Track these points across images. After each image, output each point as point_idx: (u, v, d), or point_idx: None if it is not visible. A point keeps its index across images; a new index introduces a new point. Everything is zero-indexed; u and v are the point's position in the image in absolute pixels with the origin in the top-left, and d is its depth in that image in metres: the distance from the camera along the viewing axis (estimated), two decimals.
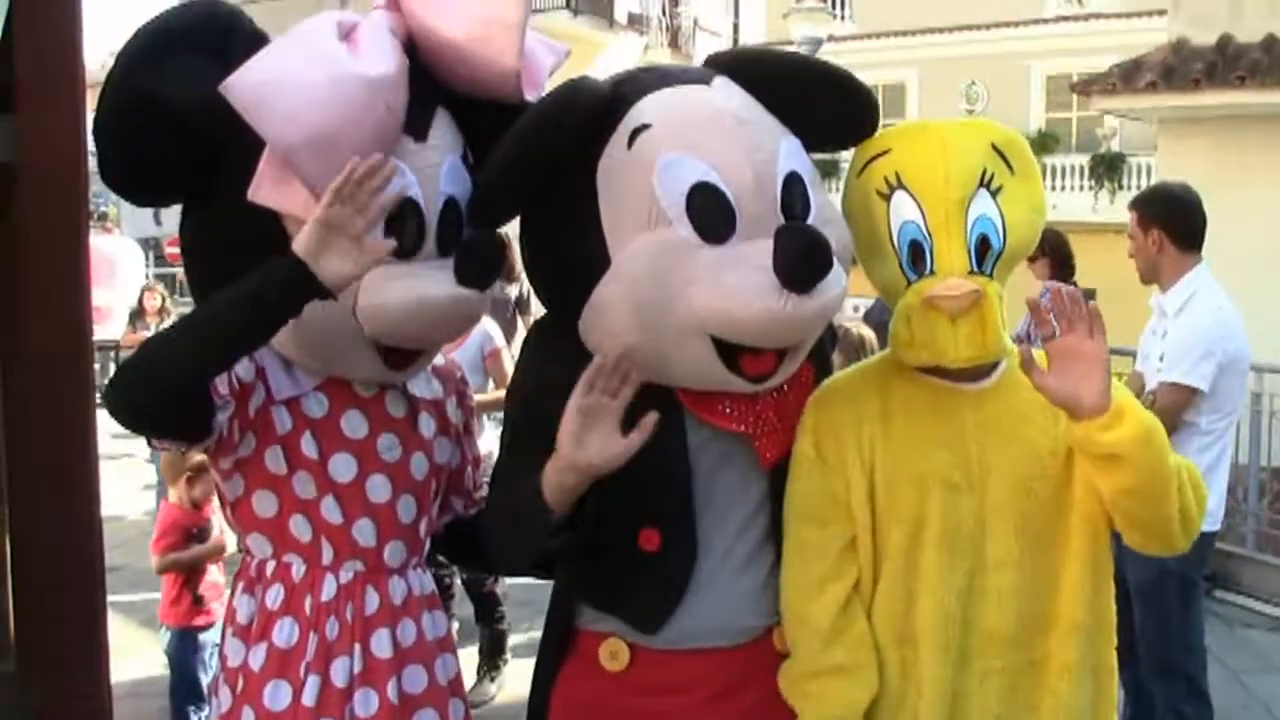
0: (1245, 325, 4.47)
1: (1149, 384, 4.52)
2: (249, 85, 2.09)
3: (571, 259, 2.27)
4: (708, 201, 2.18)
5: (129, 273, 11.66)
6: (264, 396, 2.31)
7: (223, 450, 2.31)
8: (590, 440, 2.09)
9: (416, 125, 2.28)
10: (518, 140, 2.19)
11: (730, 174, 2.20)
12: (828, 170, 28.75)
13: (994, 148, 2.32)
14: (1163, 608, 4.34)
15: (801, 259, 2.11)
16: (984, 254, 2.25)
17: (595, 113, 2.22)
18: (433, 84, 2.34)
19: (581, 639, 2.43)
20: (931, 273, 2.25)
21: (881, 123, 2.39)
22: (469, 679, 5.61)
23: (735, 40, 28.59)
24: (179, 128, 2.20)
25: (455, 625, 5.80)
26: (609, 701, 2.38)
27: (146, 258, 15.53)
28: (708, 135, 2.23)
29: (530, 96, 2.31)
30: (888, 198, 2.29)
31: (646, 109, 2.26)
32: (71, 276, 2.94)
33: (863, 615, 2.33)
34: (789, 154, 2.30)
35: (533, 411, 2.35)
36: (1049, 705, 2.34)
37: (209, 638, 4.96)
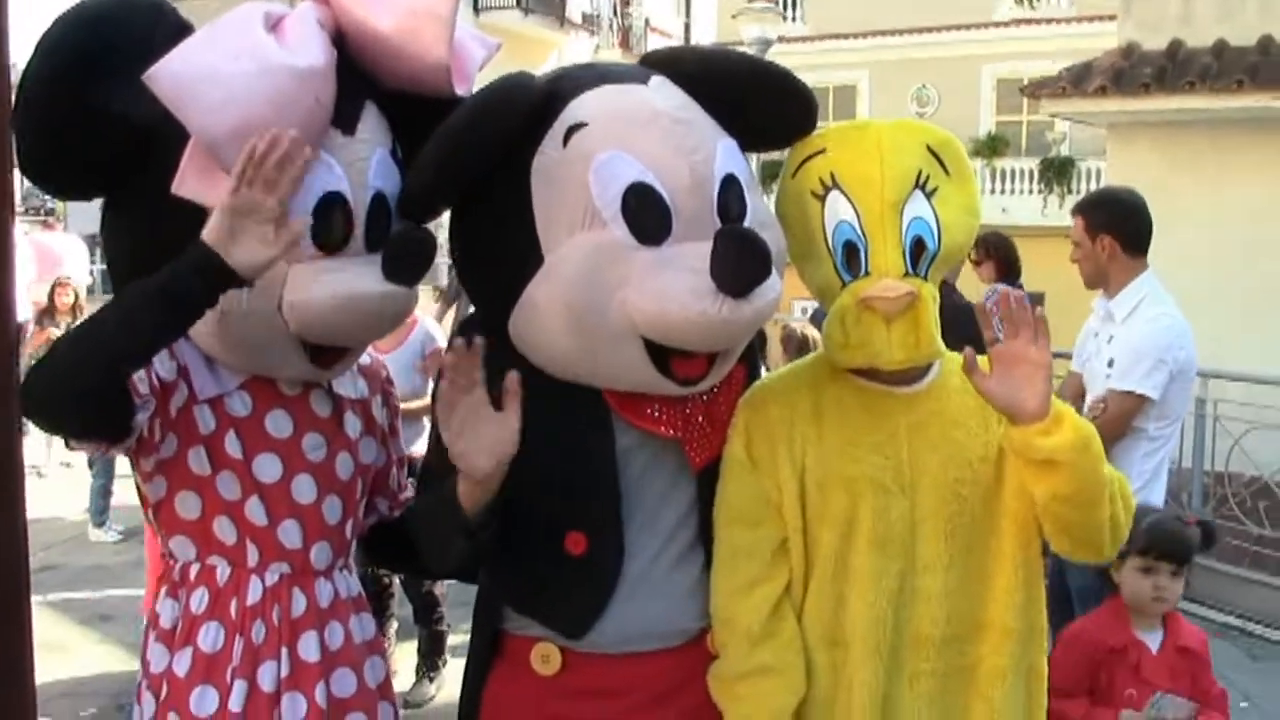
0: (1192, 330, 4.45)
1: (1091, 388, 4.50)
2: (173, 75, 2.05)
3: (503, 257, 2.24)
4: (644, 202, 2.16)
5: (73, 269, 11.57)
6: (186, 395, 2.26)
7: (144, 451, 2.27)
8: (476, 439, 2.06)
9: (345, 118, 2.24)
10: (452, 134, 2.15)
11: (667, 174, 2.17)
12: (776, 172, 28.73)
13: (929, 149, 2.31)
14: None
15: (741, 263, 2.09)
16: (919, 256, 2.24)
17: (531, 108, 2.19)
18: (362, 77, 2.31)
19: (510, 642, 2.40)
20: (866, 274, 2.23)
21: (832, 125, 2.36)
22: (408, 679, 5.57)
23: (687, 40, 28.59)
24: (101, 129, 2.16)
25: (394, 625, 5.78)
26: (540, 706, 2.35)
27: (92, 254, 15.42)
28: (645, 135, 2.20)
29: (460, 90, 2.28)
30: (822, 198, 2.28)
31: (583, 107, 2.22)
32: None
33: (792, 617, 2.31)
34: (726, 155, 2.27)
35: None
36: (980, 710, 2.33)
37: None
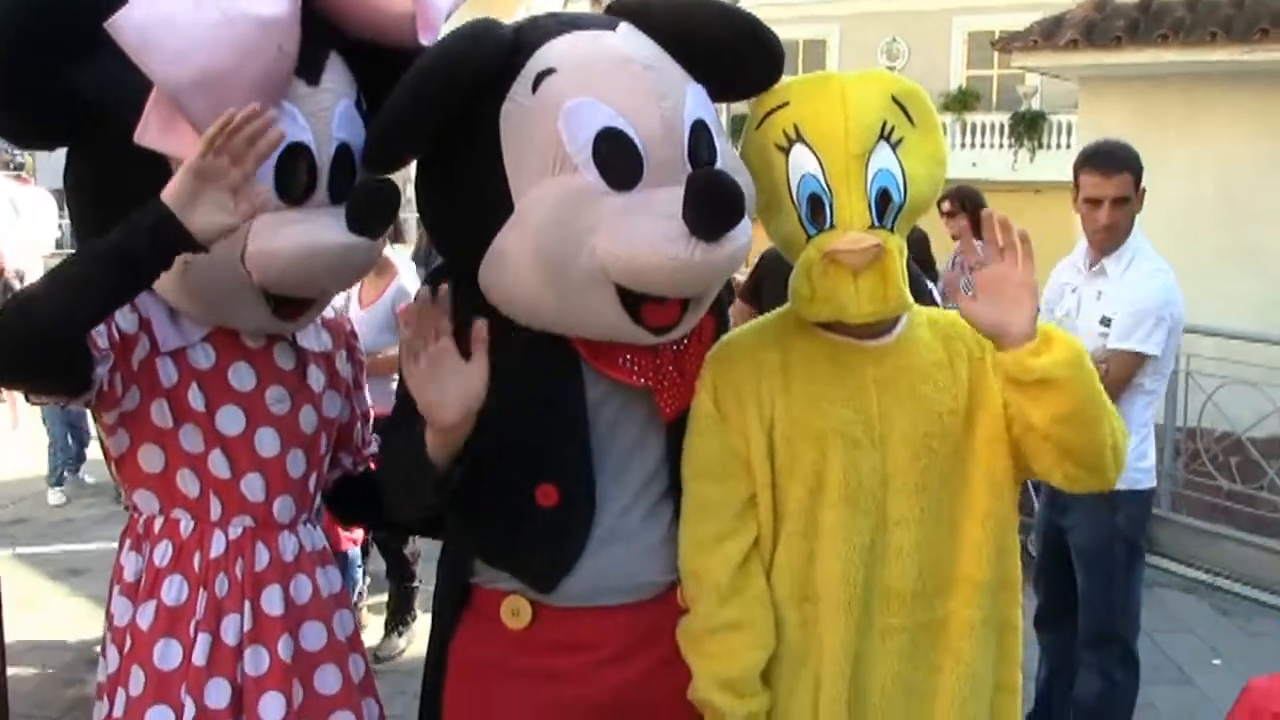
0: None
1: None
2: (135, 23, 2.02)
3: (472, 206, 2.22)
4: (615, 147, 2.14)
5: (41, 223, 11.46)
6: (148, 348, 2.26)
7: (105, 404, 2.25)
8: (442, 390, 2.05)
9: (309, 68, 2.23)
10: (417, 82, 2.13)
11: (638, 120, 2.16)
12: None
13: (894, 100, 2.29)
14: (1110, 571, 4.34)
15: (715, 206, 2.08)
16: (885, 207, 2.22)
17: (498, 53, 2.17)
18: (327, 27, 2.29)
19: (479, 595, 2.39)
20: (831, 227, 2.22)
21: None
22: (378, 634, 5.59)
23: None
24: (52, 94, 2.15)
25: (366, 580, 5.76)
26: (508, 660, 2.34)
27: (61, 209, 15.29)
28: (614, 81, 2.18)
29: (425, 40, 2.25)
30: (786, 151, 2.26)
31: (551, 53, 2.20)
32: None
33: (760, 573, 2.31)
34: (695, 101, 2.26)
35: None
36: (950, 664, 2.34)
37: (354, 553, 5.58)
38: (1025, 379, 2.13)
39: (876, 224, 2.20)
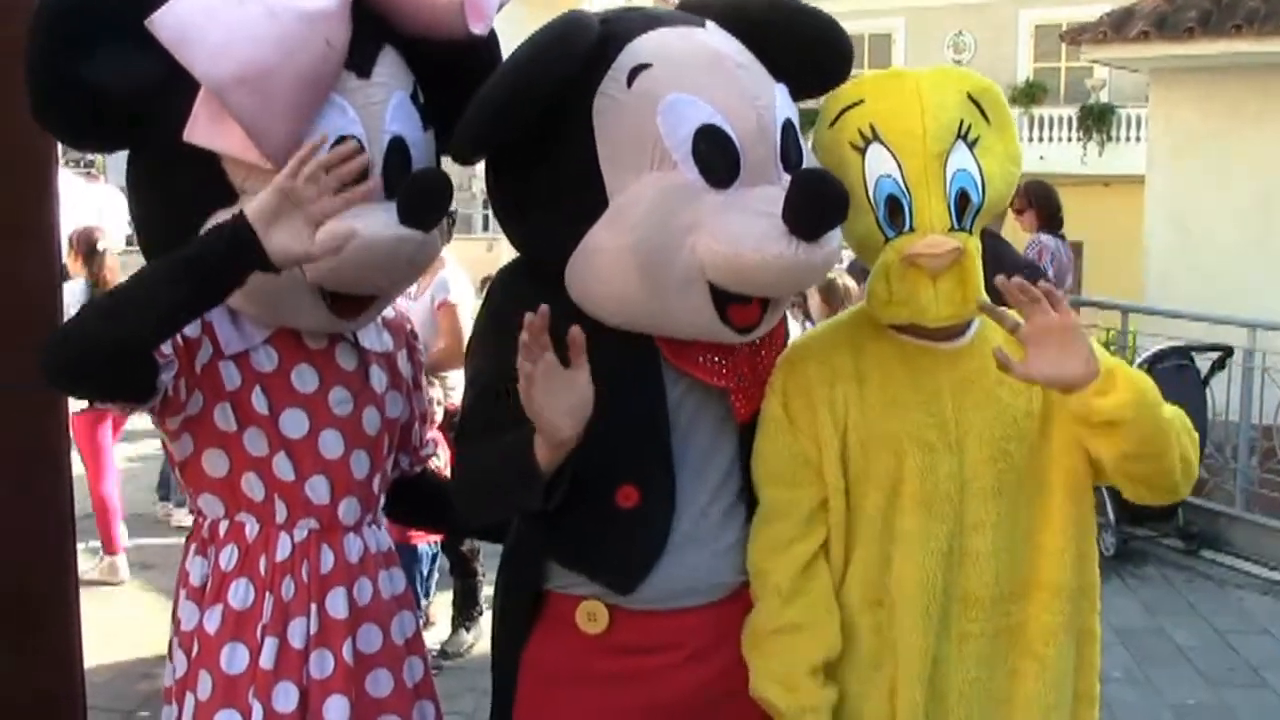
0: (1235, 278, 4.33)
1: None
2: (176, 19, 2.04)
3: (562, 201, 2.20)
4: (714, 145, 2.13)
5: (111, 220, 11.59)
6: (211, 352, 2.24)
7: (169, 410, 2.24)
8: (549, 405, 2.02)
9: (360, 61, 2.21)
10: (511, 77, 2.11)
11: (735, 118, 2.14)
12: (811, 119, 28.71)
13: (970, 98, 2.26)
14: None
15: (823, 206, 2.08)
16: (964, 209, 2.20)
17: (589, 48, 2.15)
18: (380, 21, 2.27)
19: (553, 601, 2.36)
20: (910, 229, 2.19)
21: (868, 72, 2.32)
22: (446, 629, 5.61)
23: None
24: (95, 99, 2.13)
25: (434, 577, 5.77)
26: (586, 664, 2.32)
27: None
28: (711, 78, 2.17)
29: (477, 30, 2.24)
30: (863, 151, 2.23)
31: (644, 48, 2.19)
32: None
33: (825, 575, 2.28)
34: (784, 100, 2.25)
35: (503, 363, 2.24)
36: (1032, 669, 2.30)
37: (426, 550, 5.56)
38: (1093, 420, 2.10)
39: (956, 226, 2.18)
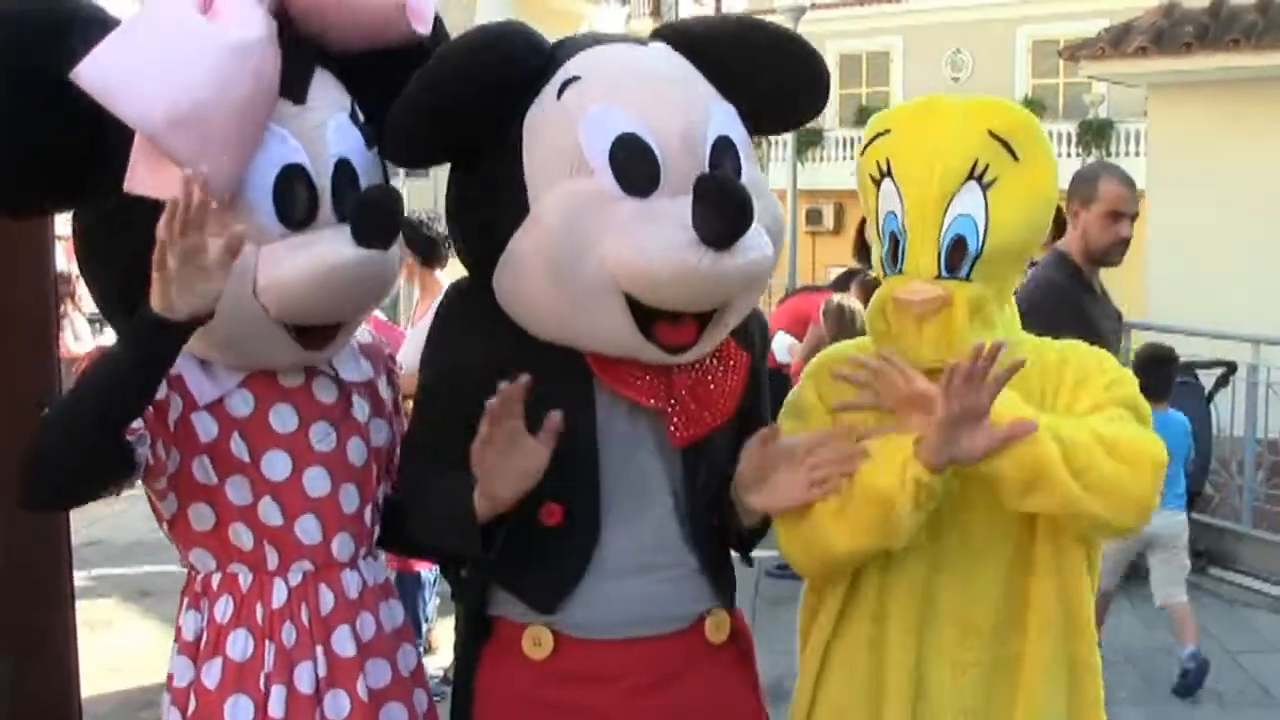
0: (1237, 292, 4.33)
1: None
2: (101, 70, 1.98)
3: (491, 211, 2.20)
4: (631, 152, 2.12)
5: None
6: (181, 406, 2.20)
7: (153, 474, 2.19)
8: (498, 465, 2.03)
9: (293, 87, 2.19)
10: (426, 76, 2.12)
11: (658, 129, 2.14)
12: (813, 139, 28.87)
13: (991, 134, 2.18)
14: None
15: (721, 210, 2.02)
16: (959, 256, 2.16)
17: (518, 52, 2.16)
18: (309, 43, 2.26)
19: (501, 626, 2.33)
20: (901, 271, 2.19)
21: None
22: (449, 655, 5.58)
23: (718, 7, 28.36)
24: (29, 164, 2.09)
25: (435, 602, 5.79)
26: (533, 691, 2.28)
27: None
28: (638, 90, 2.18)
29: (419, 29, 2.24)
30: (878, 184, 2.23)
31: (579, 63, 2.20)
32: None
33: None
34: (722, 119, 2.23)
35: (448, 389, 2.29)
36: (1024, 704, 2.27)
37: (429, 576, 5.47)
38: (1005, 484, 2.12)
39: (944, 274, 2.16)
